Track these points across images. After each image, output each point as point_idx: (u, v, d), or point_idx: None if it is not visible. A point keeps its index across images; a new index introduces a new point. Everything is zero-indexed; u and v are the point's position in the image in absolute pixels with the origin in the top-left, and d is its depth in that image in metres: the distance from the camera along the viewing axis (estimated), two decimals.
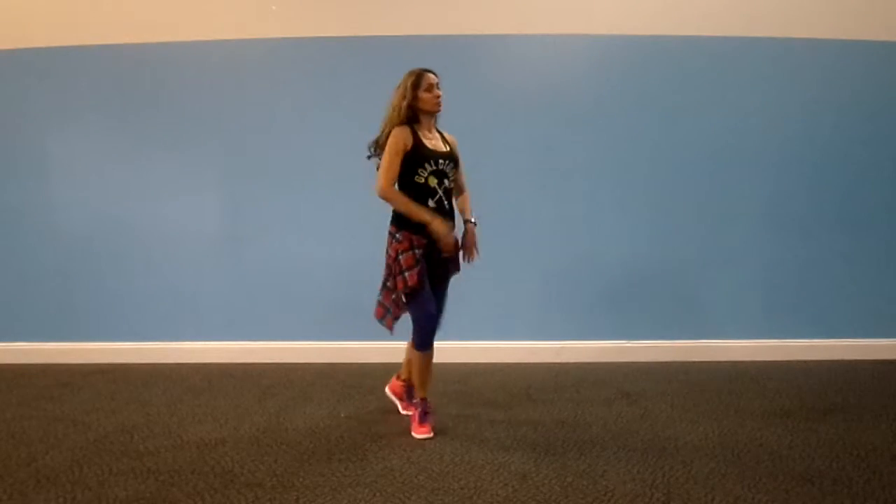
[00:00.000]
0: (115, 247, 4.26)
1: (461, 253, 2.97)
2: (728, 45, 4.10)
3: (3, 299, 4.32)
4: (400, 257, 2.79)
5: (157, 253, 4.25)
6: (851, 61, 4.11)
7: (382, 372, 3.82)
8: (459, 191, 3.03)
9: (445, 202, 2.86)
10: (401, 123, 2.80)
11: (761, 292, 4.20)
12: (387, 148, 2.78)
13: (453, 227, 2.90)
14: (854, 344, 4.17)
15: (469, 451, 2.71)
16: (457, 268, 2.99)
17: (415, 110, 2.82)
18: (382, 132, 2.83)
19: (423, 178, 2.79)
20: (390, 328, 2.90)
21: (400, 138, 2.76)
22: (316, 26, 4.15)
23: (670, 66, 4.11)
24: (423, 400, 2.96)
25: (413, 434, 2.88)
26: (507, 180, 4.09)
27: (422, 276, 2.79)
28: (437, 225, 2.77)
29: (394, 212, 2.86)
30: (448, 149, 2.90)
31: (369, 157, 2.87)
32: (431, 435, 2.87)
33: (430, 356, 2.92)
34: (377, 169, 2.82)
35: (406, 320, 2.88)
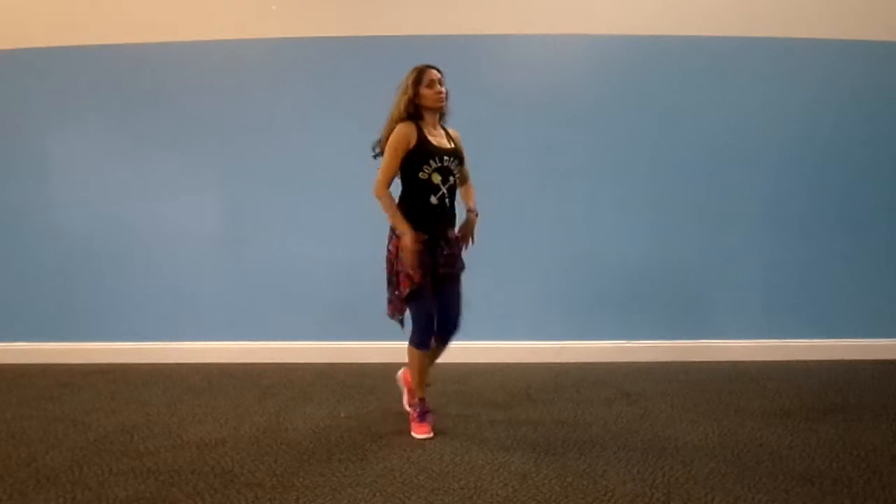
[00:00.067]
0: (115, 247, 4.26)
1: (463, 247, 2.97)
2: (728, 45, 4.10)
3: (3, 299, 4.32)
4: (401, 255, 2.79)
5: (157, 253, 4.25)
6: (851, 61, 4.11)
7: (382, 372, 3.82)
8: (463, 181, 3.03)
9: (448, 199, 2.84)
10: (404, 120, 2.79)
11: (761, 292, 4.20)
12: (388, 145, 2.78)
13: (452, 226, 2.90)
14: (854, 344, 4.17)
15: (469, 451, 2.71)
16: (461, 265, 2.97)
17: (417, 107, 2.80)
18: (386, 129, 2.82)
19: (428, 174, 2.78)
20: (403, 325, 2.91)
21: (402, 135, 2.75)
22: (316, 26, 4.15)
23: (670, 66, 4.11)
24: (422, 400, 2.96)
25: (413, 434, 2.89)
26: (507, 180, 4.09)
27: (423, 275, 2.78)
28: (406, 239, 2.74)
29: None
30: (452, 146, 2.87)
31: (375, 157, 2.86)
32: (431, 435, 2.87)
33: (427, 356, 2.93)
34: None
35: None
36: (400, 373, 3.23)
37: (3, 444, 2.85)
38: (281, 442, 2.84)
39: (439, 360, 3.09)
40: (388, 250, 2.85)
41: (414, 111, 2.80)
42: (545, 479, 2.43)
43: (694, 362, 4.08)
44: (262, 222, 4.23)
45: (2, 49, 4.21)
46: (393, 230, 2.84)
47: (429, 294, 2.84)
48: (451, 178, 2.84)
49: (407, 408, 3.09)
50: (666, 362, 4.09)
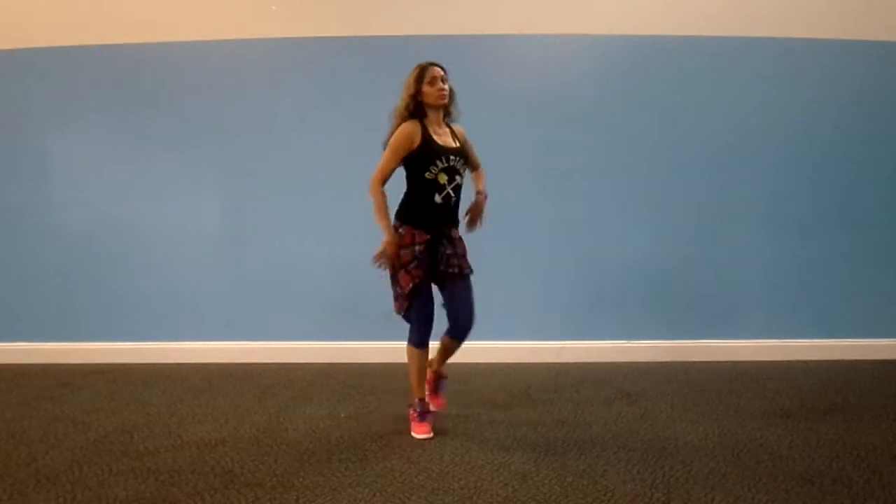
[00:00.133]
0: (115, 247, 4.26)
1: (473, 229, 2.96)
2: (728, 45, 4.10)
3: (3, 299, 4.32)
4: (401, 252, 2.78)
5: (157, 253, 4.25)
6: (851, 61, 4.11)
7: (382, 372, 3.83)
8: (475, 168, 3.03)
9: (453, 198, 2.82)
10: (409, 117, 2.78)
11: (761, 292, 4.20)
12: (390, 142, 2.77)
13: (456, 226, 2.89)
14: (854, 344, 4.17)
15: (469, 451, 2.71)
16: (468, 267, 2.91)
17: (420, 104, 2.79)
18: (392, 126, 2.81)
19: (434, 174, 2.76)
20: (408, 321, 2.90)
21: (406, 135, 2.75)
22: (316, 26, 4.15)
23: (670, 66, 4.11)
24: (422, 400, 2.96)
25: (413, 434, 2.88)
26: (507, 180, 4.08)
27: (423, 274, 2.78)
28: (385, 243, 2.75)
29: (398, 206, 2.86)
30: (458, 144, 2.86)
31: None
32: (431, 435, 2.87)
33: (426, 355, 2.93)
34: None
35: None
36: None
37: (3, 444, 2.85)
38: (281, 442, 2.84)
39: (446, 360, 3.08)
40: None
41: (416, 108, 2.79)
42: (545, 479, 2.43)
43: (694, 362, 4.08)
44: (262, 222, 4.23)
45: (2, 49, 4.21)
46: (395, 228, 2.83)
47: (429, 294, 2.84)
48: (457, 178, 2.82)
49: (430, 407, 3.03)
50: (666, 362, 4.09)
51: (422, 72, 2.78)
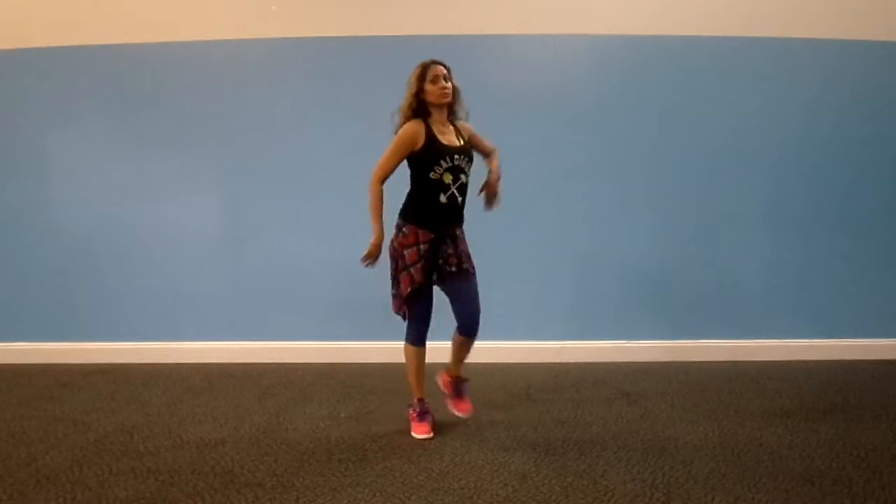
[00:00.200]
0: (115, 247, 4.26)
1: (469, 257, 2.91)
2: (728, 45, 4.09)
3: (3, 299, 4.32)
4: (405, 252, 2.78)
5: (157, 253, 4.25)
6: (851, 61, 4.11)
7: (382, 372, 3.83)
8: (487, 153, 3.00)
9: (459, 198, 2.81)
10: (413, 116, 2.78)
11: (761, 292, 4.20)
12: (394, 140, 2.77)
13: (460, 225, 2.87)
14: (854, 344, 4.16)
15: (469, 451, 2.71)
16: (471, 268, 2.89)
17: (423, 102, 2.78)
18: (398, 124, 2.81)
19: (439, 174, 2.75)
20: (405, 317, 2.89)
21: (409, 135, 2.74)
22: (316, 26, 4.15)
23: (670, 66, 4.11)
24: (421, 400, 2.96)
25: (413, 434, 2.89)
26: (508, 180, 4.05)
27: (426, 273, 2.78)
28: (372, 244, 2.77)
29: (402, 205, 2.85)
30: (462, 143, 2.84)
31: None
32: (431, 435, 2.87)
33: (423, 354, 2.92)
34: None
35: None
36: (438, 377, 3.12)
37: (3, 444, 2.85)
38: (281, 442, 2.84)
39: (443, 361, 3.07)
40: (393, 248, 2.84)
41: (420, 107, 2.78)
42: (545, 479, 2.43)
43: (694, 362, 4.08)
44: (262, 222, 4.23)
45: (2, 49, 4.21)
46: (398, 227, 2.83)
47: (428, 295, 2.84)
48: (462, 177, 2.80)
49: (455, 412, 2.99)
50: (666, 362, 4.09)
51: (424, 70, 2.77)
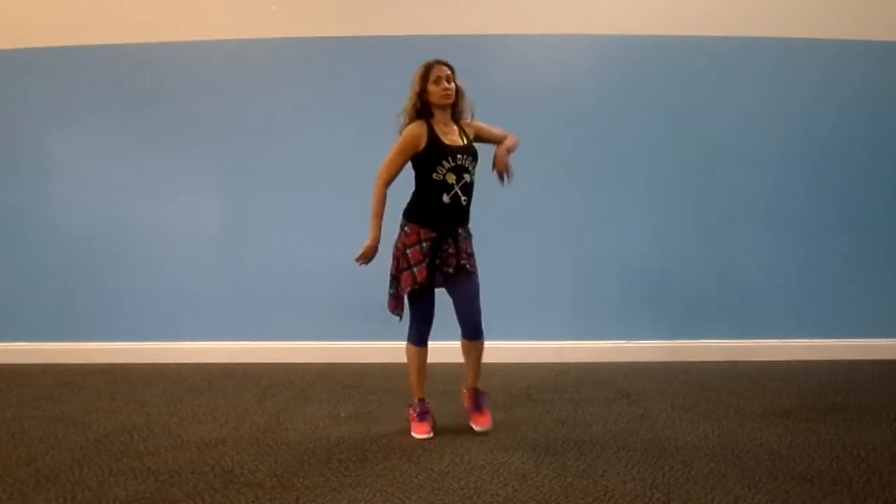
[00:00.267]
0: (115, 247, 4.26)
1: (473, 259, 2.90)
2: (728, 45, 4.09)
3: (3, 299, 4.32)
4: (408, 251, 2.78)
5: (157, 253, 4.25)
6: (851, 61, 4.11)
7: (382, 372, 3.83)
8: (499, 140, 2.97)
9: (463, 198, 2.80)
10: (416, 117, 2.77)
11: (761, 292, 4.19)
12: (397, 143, 2.77)
13: (463, 225, 2.85)
14: (854, 344, 4.16)
15: (469, 451, 2.71)
16: (471, 266, 2.87)
17: (426, 103, 2.78)
18: (402, 124, 2.81)
19: (442, 175, 2.75)
20: (401, 319, 2.89)
21: (412, 137, 2.74)
22: (316, 26, 4.15)
23: (670, 66, 4.11)
24: (421, 400, 2.96)
25: (413, 434, 2.88)
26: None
27: (426, 279, 2.77)
28: (366, 245, 2.78)
29: (407, 204, 2.85)
30: (466, 142, 2.83)
31: None
32: (431, 435, 2.87)
33: (426, 353, 2.92)
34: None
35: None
36: (461, 397, 3.07)
37: (3, 444, 2.85)
38: (281, 442, 2.84)
39: (444, 360, 3.07)
40: (396, 247, 2.84)
41: (423, 107, 2.78)
42: (545, 479, 2.43)
43: (694, 362, 4.08)
44: (262, 222, 4.23)
45: (2, 49, 4.21)
46: (402, 226, 2.83)
47: (429, 295, 2.84)
48: (466, 177, 2.80)
49: (473, 426, 2.94)
50: (666, 362, 4.09)
51: (427, 70, 2.77)
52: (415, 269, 2.76)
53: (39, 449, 2.79)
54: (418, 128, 2.76)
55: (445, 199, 2.77)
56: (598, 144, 4.14)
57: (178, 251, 4.24)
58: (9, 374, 4.00)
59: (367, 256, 2.80)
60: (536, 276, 4.19)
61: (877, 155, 4.14)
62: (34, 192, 4.26)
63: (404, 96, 2.82)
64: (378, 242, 2.79)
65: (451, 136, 2.80)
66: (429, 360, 2.96)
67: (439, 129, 2.78)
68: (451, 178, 2.76)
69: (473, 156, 2.84)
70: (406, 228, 2.81)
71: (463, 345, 2.94)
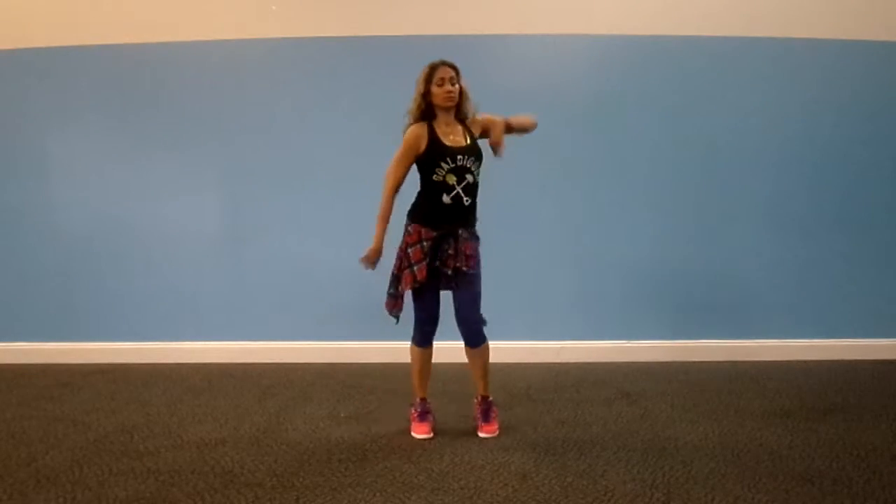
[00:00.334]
0: (115, 247, 4.26)
1: (477, 259, 2.87)
2: (728, 45, 4.09)
3: (3, 299, 4.32)
4: (409, 250, 2.78)
5: (157, 253, 4.25)
6: (851, 61, 4.11)
7: (382, 372, 3.83)
8: (511, 129, 2.98)
9: (465, 199, 2.78)
10: (420, 118, 2.78)
11: (761, 292, 4.19)
12: (399, 148, 2.78)
13: (465, 226, 2.82)
14: (854, 344, 4.16)
15: (469, 451, 2.71)
16: (470, 269, 2.82)
17: (430, 104, 2.78)
18: (405, 126, 2.81)
19: (442, 176, 2.75)
20: (398, 321, 2.87)
21: (412, 140, 2.75)
22: (316, 26, 4.14)
23: (670, 66, 4.11)
24: (422, 400, 2.96)
25: (413, 434, 2.89)
26: (507, 180, 4.08)
27: (429, 272, 2.77)
28: (370, 250, 2.79)
29: (411, 205, 2.85)
30: (469, 142, 2.82)
31: None
32: (431, 435, 2.87)
33: (430, 354, 2.93)
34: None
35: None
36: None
37: (3, 444, 2.85)
38: (281, 442, 2.84)
39: (445, 360, 3.07)
40: (399, 246, 2.84)
41: (427, 108, 2.78)
42: (545, 479, 2.43)
43: (694, 362, 4.08)
44: (262, 222, 4.23)
45: (2, 49, 4.21)
46: (405, 226, 2.83)
47: (431, 295, 2.83)
48: (468, 177, 2.78)
49: (480, 434, 2.89)
50: (666, 362, 4.09)
51: (431, 72, 2.76)
52: (415, 268, 2.76)
53: (39, 449, 2.79)
54: (418, 129, 2.76)
55: (446, 199, 2.77)
56: (598, 144, 4.14)
57: (178, 251, 4.24)
58: (9, 374, 4.00)
59: (371, 260, 2.80)
60: (536, 276, 4.19)
61: (877, 155, 4.14)
62: (34, 192, 4.26)
63: (404, 96, 2.83)
64: (380, 248, 2.80)
65: (454, 137, 2.80)
66: (432, 361, 2.96)
67: (441, 130, 2.78)
68: (452, 180, 2.76)
69: (477, 156, 2.83)
70: (409, 228, 2.82)
71: (466, 352, 2.92)
